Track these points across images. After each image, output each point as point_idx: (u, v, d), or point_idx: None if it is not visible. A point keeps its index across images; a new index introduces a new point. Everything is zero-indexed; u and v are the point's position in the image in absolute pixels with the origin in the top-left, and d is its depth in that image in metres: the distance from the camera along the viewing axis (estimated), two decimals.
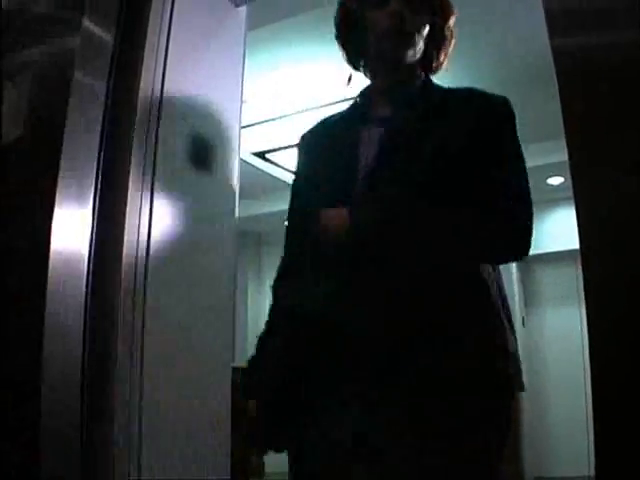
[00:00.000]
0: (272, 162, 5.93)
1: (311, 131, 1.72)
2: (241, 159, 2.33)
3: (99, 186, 1.83)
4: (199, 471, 1.88)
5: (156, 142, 1.92)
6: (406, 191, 1.39)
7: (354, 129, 1.57)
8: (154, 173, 1.90)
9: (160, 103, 1.95)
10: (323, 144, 1.64)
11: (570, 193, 1.22)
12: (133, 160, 1.88)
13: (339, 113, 1.69)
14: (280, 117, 5.19)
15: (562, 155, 1.27)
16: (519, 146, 1.47)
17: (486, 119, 1.47)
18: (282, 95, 4.90)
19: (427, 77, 1.64)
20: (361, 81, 1.69)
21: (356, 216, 1.38)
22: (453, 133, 1.44)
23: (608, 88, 1.21)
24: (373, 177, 1.44)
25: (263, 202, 6.75)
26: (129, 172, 1.87)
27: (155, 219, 1.88)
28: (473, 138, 1.43)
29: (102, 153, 1.85)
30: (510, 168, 1.45)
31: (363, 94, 1.67)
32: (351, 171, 1.48)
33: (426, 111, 1.53)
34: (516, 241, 1.44)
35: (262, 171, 6.09)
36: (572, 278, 6.15)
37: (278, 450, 1.49)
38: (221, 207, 2.15)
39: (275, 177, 6.32)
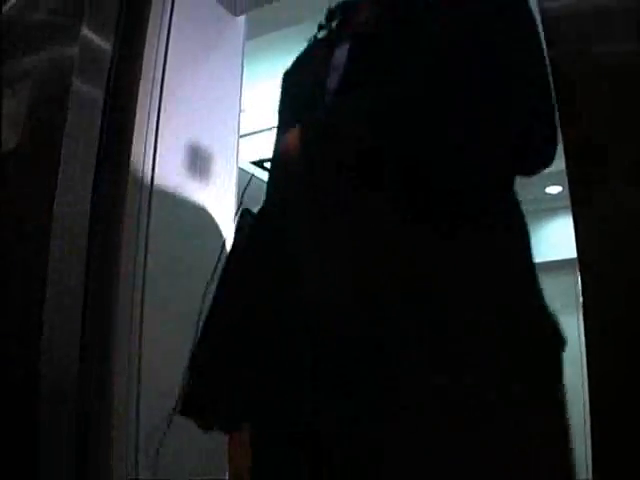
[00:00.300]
0: None
1: (290, 65, 1.45)
2: (239, 168, 2.33)
3: (97, 194, 1.83)
4: (198, 470, 1.87)
5: (154, 151, 1.92)
6: (375, 112, 1.09)
7: (328, 50, 1.26)
8: (152, 182, 1.91)
9: (158, 111, 1.96)
10: (296, 74, 1.39)
11: (569, 202, 1.22)
12: (131, 168, 1.88)
13: (318, 37, 1.40)
14: None
15: (560, 164, 1.27)
16: (538, 46, 1.12)
17: (487, 21, 1.09)
18: None
19: None
20: None
21: (308, 131, 1.10)
22: (438, 42, 1.11)
23: (606, 96, 1.21)
24: (339, 98, 1.17)
25: None
26: (127, 180, 1.87)
27: (153, 228, 1.88)
28: (469, 47, 1.09)
29: (100, 163, 1.85)
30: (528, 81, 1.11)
31: (342, 10, 1.37)
32: (317, 96, 1.21)
33: (407, 18, 1.16)
34: (540, 146, 1.16)
35: (261, 180, 6.09)
36: (570, 287, 6.13)
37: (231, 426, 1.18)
38: (220, 216, 2.15)
39: None
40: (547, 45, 1.28)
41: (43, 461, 1.58)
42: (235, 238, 1.24)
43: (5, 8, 2.08)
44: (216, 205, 2.14)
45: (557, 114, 1.14)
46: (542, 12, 1.30)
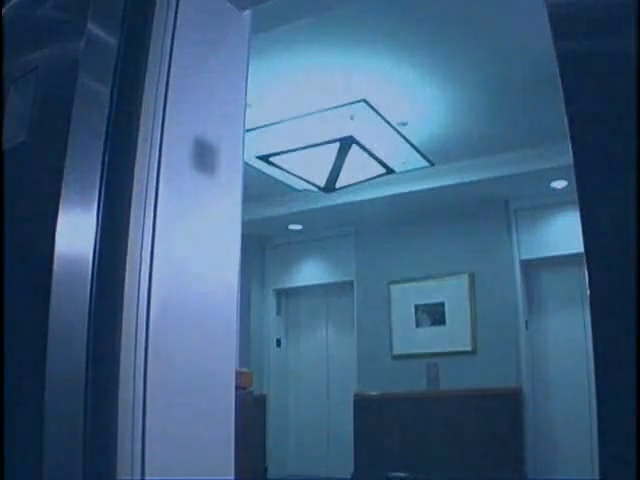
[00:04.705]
0: (276, 165, 5.94)
1: None
2: (245, 163, 2.33)
3: (103, 190, 1.83)
4: (203, 473, 1.88)
5: (160, 146, 1.93)
6: None
7: None
8: (158, 177, 1.91)
9: (164, 107, 1.96)
10: None
11: (573, 197, 1.22)
12: (137, 164, 1.88)
13: None
14: (284, 121, 5.20)
15: (565, 158, 1.27)
16: None
17: None
18: (286, 99, 4.91)
19: None
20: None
21: None
22: None
23: (613, 91, 1.21)
24: None
25: (267, 205, 6.76)
26: (133, 176, 1.87)
27: (159, 223, 1.88)
28: None
29: (106, 157, 1.85)
30: None
31: None
32: None
33: None
34: None
35: (266, 174, 6.11)
36: (576, 282, 6.14)
37: None
38: (225, 211, 2.15)
39: (279, 180, 6.33)
40: (554, 40, 1.27)
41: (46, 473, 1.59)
42: None
43: (9, 3, 2.08)
44: (222, 200, 2.14)
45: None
46: (548, 7, 1.30)
